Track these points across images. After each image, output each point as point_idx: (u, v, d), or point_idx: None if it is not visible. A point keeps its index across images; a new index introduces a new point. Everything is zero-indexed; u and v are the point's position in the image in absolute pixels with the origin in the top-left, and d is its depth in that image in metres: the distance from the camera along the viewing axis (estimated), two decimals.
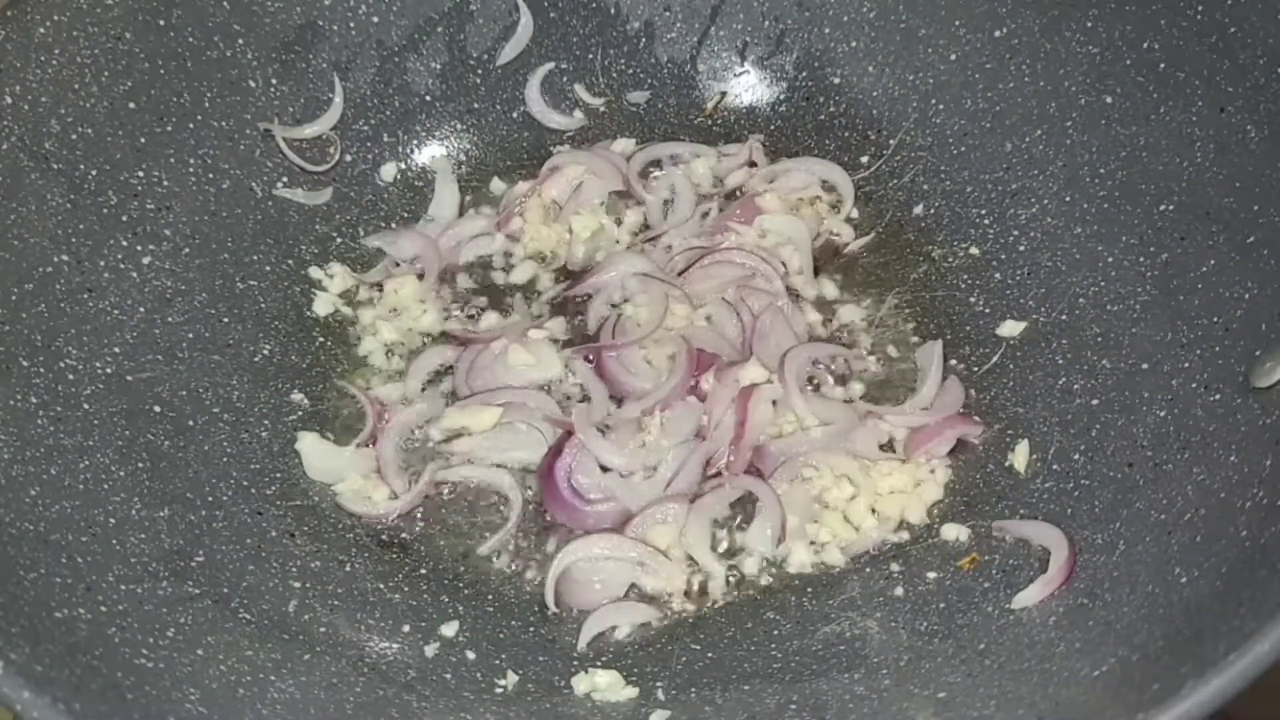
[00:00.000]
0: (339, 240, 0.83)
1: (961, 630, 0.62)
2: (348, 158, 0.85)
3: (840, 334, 0.78)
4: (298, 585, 0.66)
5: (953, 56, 0.83)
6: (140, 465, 0.67)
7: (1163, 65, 0.72)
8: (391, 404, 0.76)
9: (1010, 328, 0.75)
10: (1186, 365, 0.65)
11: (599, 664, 0.65)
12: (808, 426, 0.72)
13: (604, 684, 0.63)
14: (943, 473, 0.71)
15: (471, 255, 0.83)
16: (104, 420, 0.67)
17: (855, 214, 0.84)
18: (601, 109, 0.90)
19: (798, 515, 0.69)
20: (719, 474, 0.71)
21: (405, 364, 0.78)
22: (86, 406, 0.67)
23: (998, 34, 0.81)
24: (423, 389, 0.77)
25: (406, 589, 0.68)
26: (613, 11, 0.89)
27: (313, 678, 0.61)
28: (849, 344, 0.77)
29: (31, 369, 0.66)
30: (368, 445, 0.74)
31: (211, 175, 0.79)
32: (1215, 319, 0.65)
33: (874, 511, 0.70)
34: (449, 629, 0.66)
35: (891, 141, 0.85)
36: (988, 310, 0.77)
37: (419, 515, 0.72)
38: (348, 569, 0.69)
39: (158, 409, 0.70)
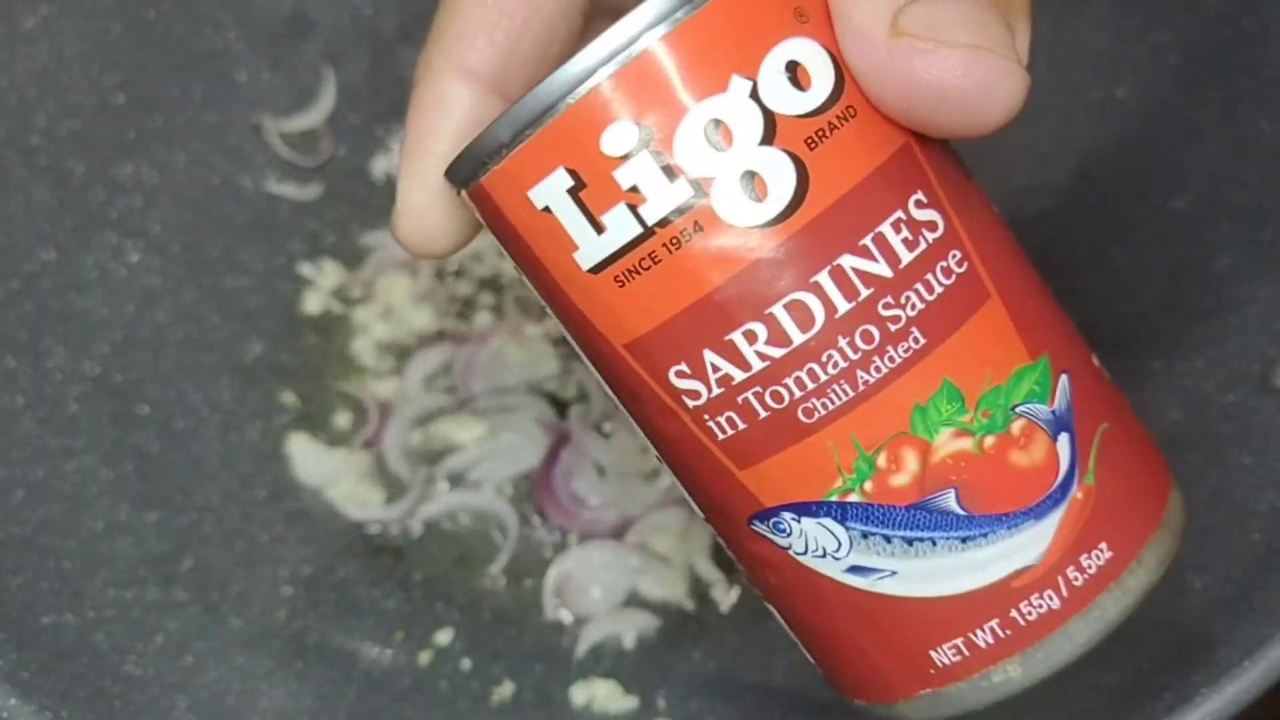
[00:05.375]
0: (330, 236, 0.82)
1: None
2: (340, 151, 0.84)
3: None
4: (289, 591, 0.66)
5: None
6: (128, 468, 0.66)
7: (1175, 58, 0.71)
8: (391, 401, 0.75)
9: None
10: (1200, 365, 0.65)
11: (598, 673, 0.64)
12: None
13: (603, 693, 0.62)
14: None
15: (467, 252, 0.83)
16: (91, 421, 0.67)
17: None
18: None
19: None
20: None
21: (399, 363, 0.77)
22: (74, 407, 0.66)
23: None
24: (420, 387, 0.76)
25: (400, 595, 0.68)
26: None
27: (304, 686, 0.60)
28: None
29: (18, 369, 0.65)
30: (368, 446, 0.73)
31: (200, 170, 0.78)
32: (1230, 317, 0.64)
33: None
34: (443, 637, 0.66)
35: None
36: None
37: (413, 520, 0.71)
38: (340, 574, 0.68)
39: (145, 410, 0.69)
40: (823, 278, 0.34)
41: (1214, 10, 0.69)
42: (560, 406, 0.74)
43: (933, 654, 0.38)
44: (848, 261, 0.35)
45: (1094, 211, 0.75)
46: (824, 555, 0.37)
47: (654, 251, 0.33)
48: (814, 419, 0.35)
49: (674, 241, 0.33)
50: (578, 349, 0.39)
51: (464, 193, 0.39)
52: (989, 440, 0.36)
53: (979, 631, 0.38)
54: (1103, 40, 0.75)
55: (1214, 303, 0.66)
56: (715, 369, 0.35)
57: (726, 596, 0.67)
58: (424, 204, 0.42)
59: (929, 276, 0.36)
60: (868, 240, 0.35)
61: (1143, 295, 0.70)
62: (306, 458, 0.72)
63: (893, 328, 0.35)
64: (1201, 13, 0.70)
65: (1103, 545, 0.38)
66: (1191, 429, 0.63)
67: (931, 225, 0.36)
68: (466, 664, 0.65)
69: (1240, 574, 0.54)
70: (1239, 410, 0.61)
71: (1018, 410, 0.37)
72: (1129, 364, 0.69)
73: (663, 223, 0.33)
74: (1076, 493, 0.37)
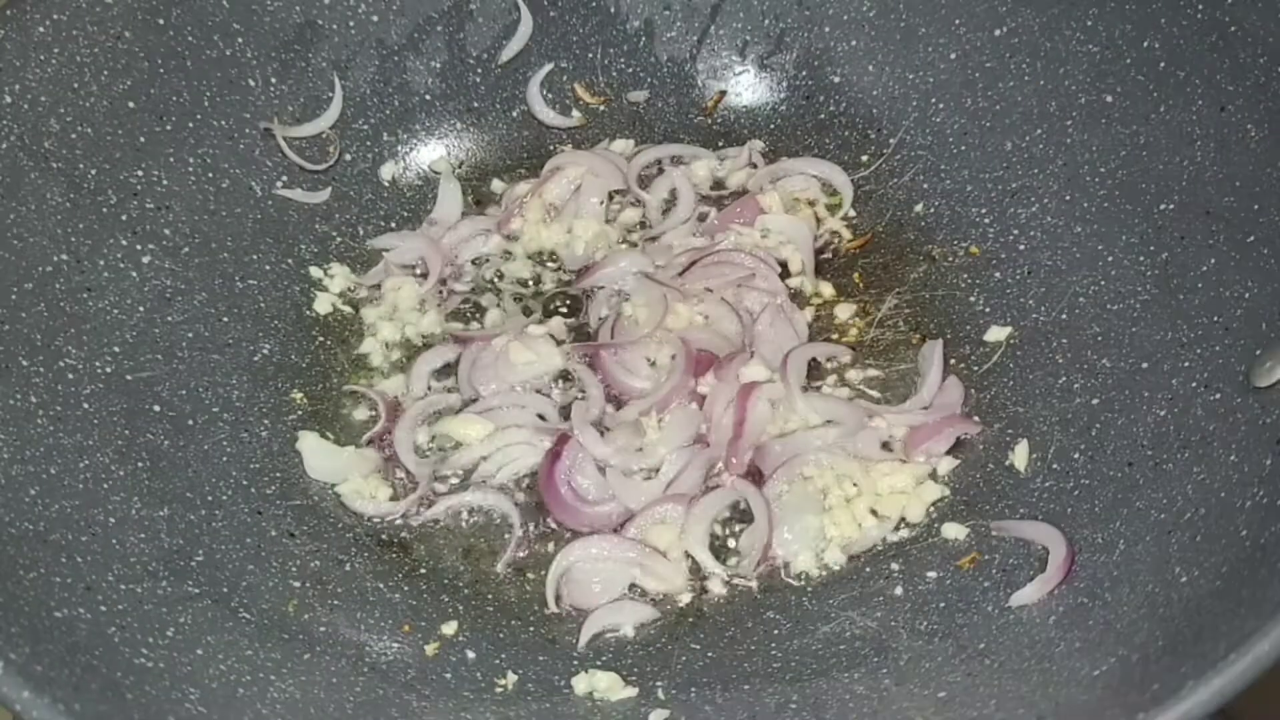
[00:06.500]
0: (338, 239, 0.83)
1: (961, 630, 0.62)
2: (347, 156, 0.85)
3: (840, 333, 0.78)
4: (297, 584, 0.67)
5: (953, 55, 0.83)
6: (140, 465, 0.67)
7: (1163, 64, 0.72)
8: (398, 400, 0.76)
9: (996, 333, 0.76)
10: (1186, 364, 0.65)
11: (599, 664, 0.65)
12: (812, 425, 0.72)
13: (604, 684, 0.63)
14: (943, 472, 0.71)
15: (471, 255, 0.84)
16: (103, 420, 0.68)
17: (855, 214, 0.84)
18: (601, 108, 0.90)
19: (799, 515, 0.69)
20: (719, 474, 0.71)
21: (405, 363, 0.78)
22: (86, 406, 0.67)
23: (998, 33, 0.81)
24: (426, 386, 0.77)
25: (406, 588, 0.68)
26: (612, 10, 0.89)
27: (313, 677, 0.61)
28: (849, 344, 0.77)
29: (31, 368, 0.66)
30: (378, 442, 0.74)
31: (211, 174, 0.79)
32: (1215, 318, 0.65)
33: (874, 511, 0.70)
34: (449, 628, 0.66)
35: (891, 140, 0.85)
36: (988, 310, 0.77)
37: (420, 514, 0.72)
38: (347, 568, 0.69)
39: (157, 408, 0.71)
40: None
41: (1200, 17, 0.70)
42: (562, 405, 0.75)
43: None
44: None
45: (1083, 213, 0.76)
46: None
47: None
48: None
49: None
50: None
51: None
52: None
53: None
54: (1092, 46, 0.76)
55: (1200, 303, 0.67)
56: None
57: (724, 588, 0.68)
58: None
59: None
60: None
61: (1131, 296, 0.71)
62: (315, 455, 0.73)
63: None
64: (1188, 20, 0.71)
65: None
66: (1178, 426, 0.64)
67: None
68: (471, 655, 0.65)
69: (1227, 569, 0.55)
70: (1224, 408, 0.62)
71: None
72: (1116, 363, 0.70)
73: None
74: None
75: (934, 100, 0.84)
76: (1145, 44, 0.73)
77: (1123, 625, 0.56)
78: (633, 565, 0.68)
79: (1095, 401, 0.69)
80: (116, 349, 0.71)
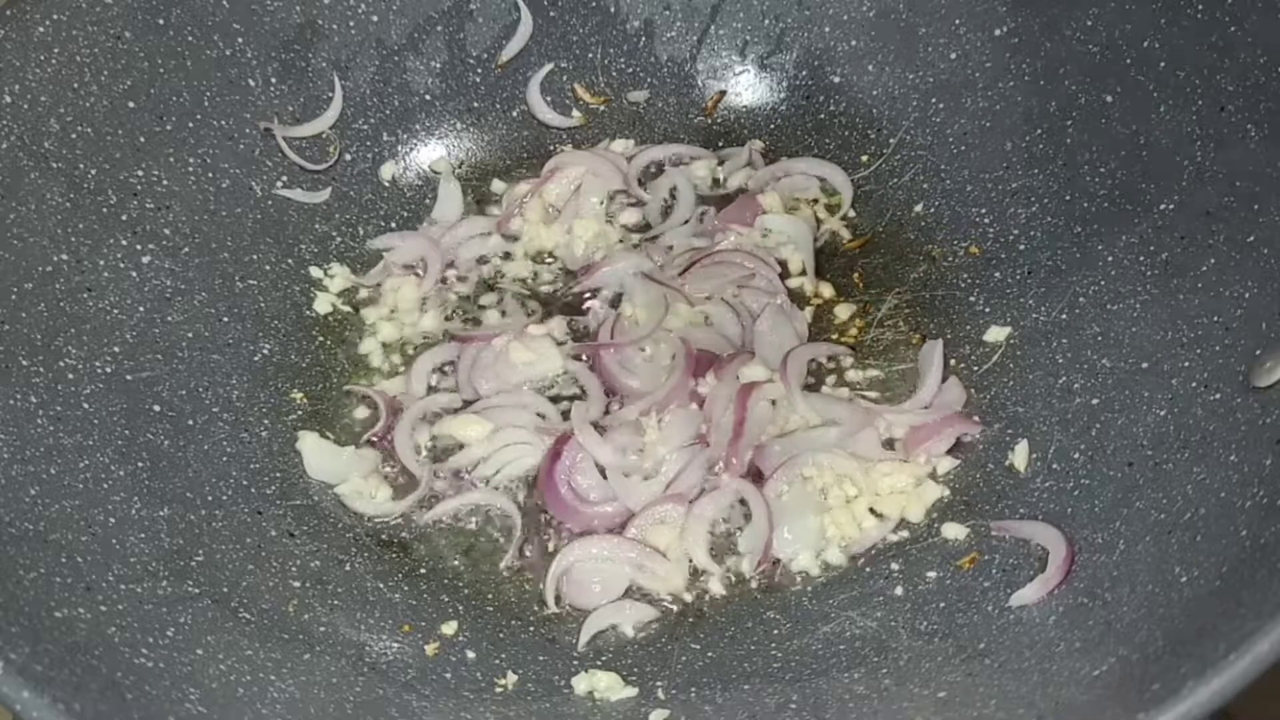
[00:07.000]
0: (338, 239, 0.83)
1: (961, 630, 0.62)
2: (347, 156, 0.85)
3: (840, 333, 0.78)
4: (297, 584, 0.67)
5: (953, 55, 0.83)
6: (140, 465, 0.67)
7: (1163, 64, 0.72)
8: (398, 400, 0.76)
9: (996, 333, 0.76)
10: (1186, 364, 0.65)
11: (599, 664, 0.65)
12: (812, 425, 0.72)
13: (604, 684, 0.63)
14: (943, 472, 0.71)
15: (471, 255, 0.84)
16: (103, 420, 0.68)
17: (855, 214, 0.84)
18: (601, 108, 0.90)
19: (799, 515, 0.69)
20: (719, 474, 0.71)
21: (405, 363, 0.78)
22: (86, 406, 0.67)
23: (998, 33, 0.81)
24: (426, 386, 0.77)
25: (406, 588, 0.68)
26: (612, 10, 0.89)
27: (312, 677, 0.61)
28: (849, 344, 0.77)
29: (31, 368, 0.66)
30: (378, 441, 0.74)
31: (211, 174, 0.79)
32: (1215, 318, 0.65)
33: (874, 511, 0.70)
34: (449, 628, 0.66)
35: (891, 140, 0.85)
36: (988, 310, 0.77)
37: (420, 515, 0.72)
38: (347, 568, 0.69)
39: (157, 408, 0.71)
40: None
41: (1200, 18, 0.70)
42: (562, 409, 0.75)
43: None
44: None
45: (1083, 213, 0.76)
46: None
47: None
48: None
49: None
50: None
51: None
52: None
53: None
54: (1092, 46, 0.76)
55: (1200, 303, 0.67)
56: None
57: (723, 588, 0.68)
58: None
59: None
60: None
61: (1131, 296, 0.71)
62: (315, 455, 0.73)
63: None
64: (1188, 20, 0.71)
65: None
66: (1178, 426, 0.64)
67: None
68: (471, 655, 0.65)
69: (1227, 569, 0.55)
70: (1224, 408, 0.62)
71: None
72: (1116, 363, 0.70)
73: None
74: None
75: (934, 100, 0.84)
76: (1145, 44, 0.73)
77: (1123, 625, 0.56)
78: (633, 565, 0.68)
79: (1095, 401, 0.69)
80: (116, 349, 0.71)
